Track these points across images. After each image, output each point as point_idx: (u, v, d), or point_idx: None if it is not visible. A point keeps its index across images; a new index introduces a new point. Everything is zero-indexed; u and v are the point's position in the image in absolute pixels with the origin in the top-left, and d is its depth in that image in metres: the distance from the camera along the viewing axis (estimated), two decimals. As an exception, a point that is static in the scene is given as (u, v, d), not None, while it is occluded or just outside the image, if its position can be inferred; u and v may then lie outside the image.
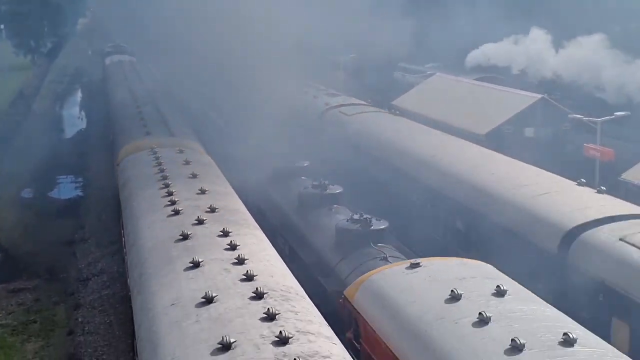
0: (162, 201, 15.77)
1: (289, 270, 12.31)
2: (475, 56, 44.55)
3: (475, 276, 12.04)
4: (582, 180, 18.01)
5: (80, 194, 35.15)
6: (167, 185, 16.82)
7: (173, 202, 15.38)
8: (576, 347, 9.45)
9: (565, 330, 9.64)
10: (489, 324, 10.17)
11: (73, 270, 24.76)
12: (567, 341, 9.48)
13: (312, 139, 25.89)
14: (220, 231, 13.24)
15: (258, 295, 10.30)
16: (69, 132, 52.69)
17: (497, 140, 29.64)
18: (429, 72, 46.91)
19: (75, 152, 43.00)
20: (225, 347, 8.99)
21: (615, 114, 28.96)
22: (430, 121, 33.15)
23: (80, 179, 37.62)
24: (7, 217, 30.93)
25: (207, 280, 11.13)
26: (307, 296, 11.29)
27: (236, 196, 17.16)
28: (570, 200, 16.58)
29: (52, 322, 20.88)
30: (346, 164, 24.74)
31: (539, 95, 32.10)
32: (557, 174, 20.58)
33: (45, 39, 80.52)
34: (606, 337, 10.84)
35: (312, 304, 11.03)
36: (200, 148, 23.47)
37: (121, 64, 52.27)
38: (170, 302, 10.81)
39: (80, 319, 20.76)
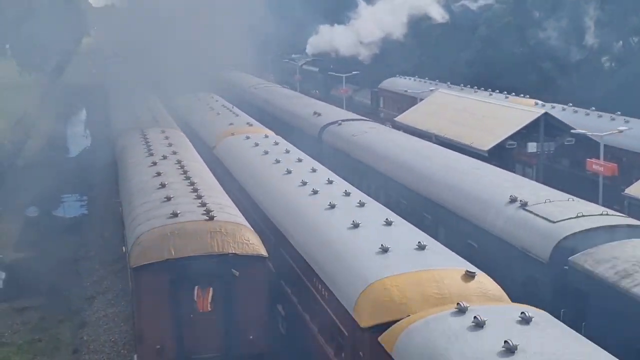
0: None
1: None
2: (311, 44, 63.28)
3: None
4: None
5: (85, 212, 35.26)
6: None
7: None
8: None
9: None
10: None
11: (78, 288, 24.80)
12: None
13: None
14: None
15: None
16: (74, 150, 52.91)
17: (500, 156, 29.66)
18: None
19: (79, 170, 43.12)
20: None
21: (618, 128, 29.04)
22: (432, 137, 33.28)
23: (84, 198, 37.75)
24: (12, 236, 31.02)
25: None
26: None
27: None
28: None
29: (57, 341, 20.89)
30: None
31: (542, 111, 32.16)
32: (560, 189, 20.56)
33: (50, 58, 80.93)
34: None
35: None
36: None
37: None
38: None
39: (85, 338, 20.78)
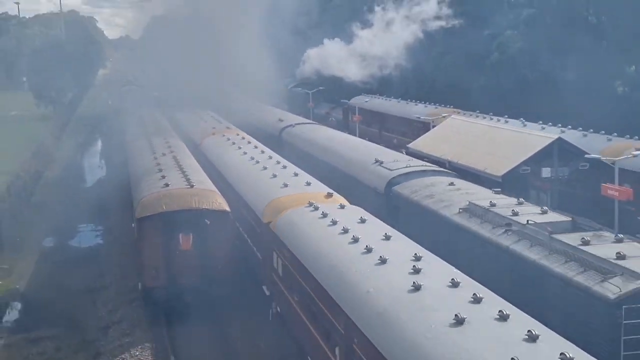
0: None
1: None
2: (301, 70, 67.32)
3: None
4: None
5: (100, 242, 35.41)
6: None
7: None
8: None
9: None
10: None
11: (93, 318, 24.83)
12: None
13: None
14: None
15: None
16: (90, 180, 53.30)
17: (514, 181, 29.56)
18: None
19: (95, 200, 43.35)
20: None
21: (632, 153, 28.87)
22: (446, 164, 33.26)
23: (100, 228, 37.92)
24: (28, 266, 31.18)
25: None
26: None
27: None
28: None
29: (73, 371, 20.89)
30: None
31: (555, 136, 32.07)
32: (576, 214, 20.55)
33: (66, 90, 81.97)
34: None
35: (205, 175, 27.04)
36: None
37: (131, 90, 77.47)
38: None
39: (100, 368, 20.77)
